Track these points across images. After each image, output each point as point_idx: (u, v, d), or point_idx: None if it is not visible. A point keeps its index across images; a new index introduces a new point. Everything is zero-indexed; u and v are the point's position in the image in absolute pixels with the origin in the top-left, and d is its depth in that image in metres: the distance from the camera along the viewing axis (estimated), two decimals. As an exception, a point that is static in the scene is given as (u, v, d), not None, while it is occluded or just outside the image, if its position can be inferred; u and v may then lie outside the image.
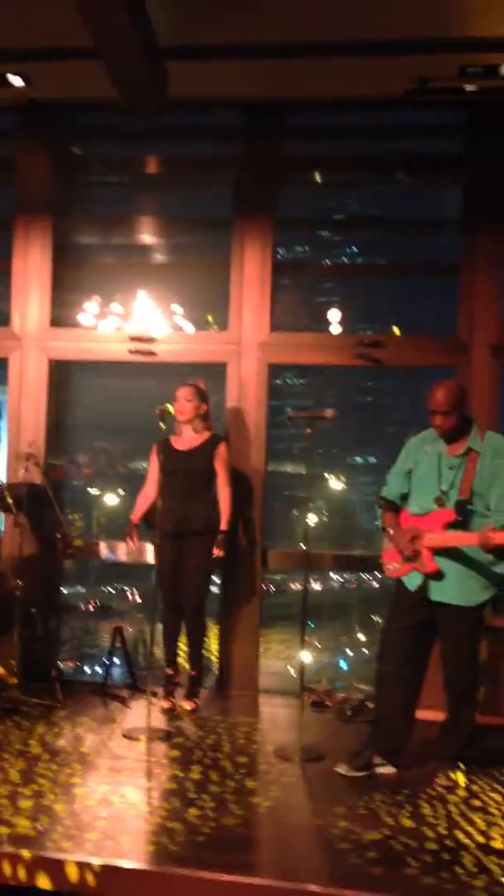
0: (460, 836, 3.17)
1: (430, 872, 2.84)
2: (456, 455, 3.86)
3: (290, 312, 6.10)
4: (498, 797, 3.61)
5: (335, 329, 6.07)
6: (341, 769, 3.83)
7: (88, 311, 5.95)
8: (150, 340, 5.63)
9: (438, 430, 3.88)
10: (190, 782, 3.62)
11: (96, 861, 2.81)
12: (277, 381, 6.25)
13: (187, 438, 4.99)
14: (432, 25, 4.57)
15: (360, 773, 3.81)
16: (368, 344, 5.45)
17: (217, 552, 4.82)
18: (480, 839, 3.15)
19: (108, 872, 2.79)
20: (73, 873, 2.80)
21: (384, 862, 2.93)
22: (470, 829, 3.24)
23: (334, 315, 6.13)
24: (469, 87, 4.92)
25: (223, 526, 4.87)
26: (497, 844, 3.10)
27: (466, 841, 3.13)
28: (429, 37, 4.68)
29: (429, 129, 5.77)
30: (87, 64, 4.89)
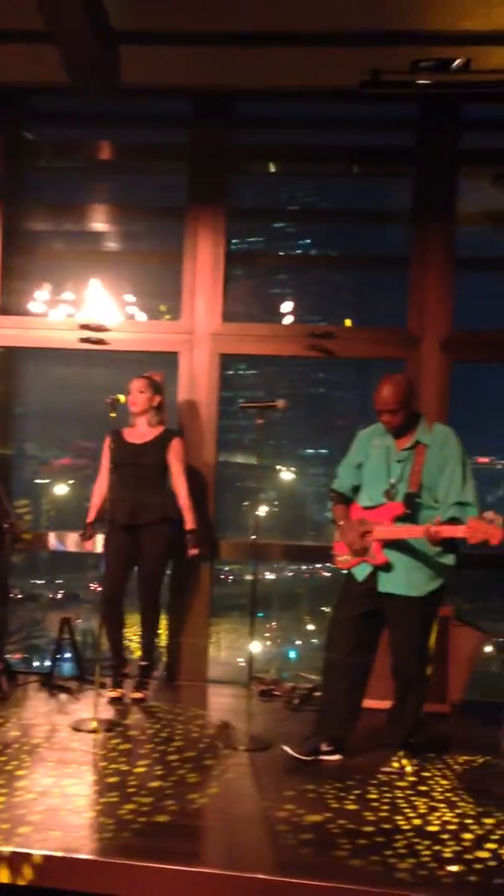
0: (399, 820, 3.22)
1: (359, 855, 2.88)
2: (404, 448, 3.90)
3: (243, 303, 6.10)
4: (445, 783, 3.67)
5: (288, 320, 6.08)
6: (289, 749, 3.86)
7: (38, 298, 5.87)
8: (100, 329, 5.58)
9: (387, 426, 3.91)
10: (136, 773, 3.62)
11: (36, 853, 2.78)
12: (229, 372, 6.24)
13: (141, 431, 4.96)
14: (386, 18, 4.59)
15: (307, 758, 3.85)
16: (320, 335, 5.47)
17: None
18: (417, 822, 3.19)
19: (49, 863, 2.76)
20: (4, 866, 2.77)
21: (316, 844, 2.96)
22: (410, 813, 3.29)
23: (287, 306, 6.14)
24: (421, 81, 4.95)
25: (189, 525, 4.85)
26: (432, 828, 3.15)
27: (403, 825, 3.17)
28: (382, 29, 4.70)
29: (381, 122, 5.81)
30: (40, 47, 4.80)
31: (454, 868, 2.81)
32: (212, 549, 5.38)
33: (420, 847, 2.96)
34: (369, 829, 3.12)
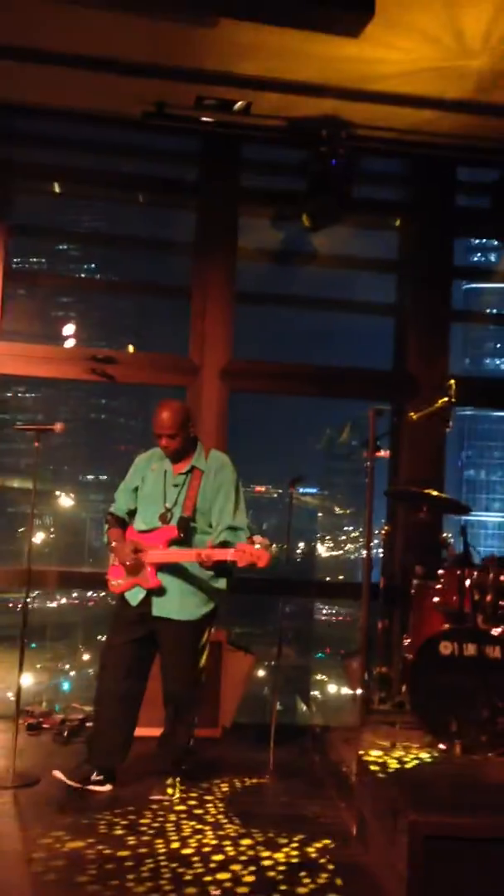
0: (158, 844, 3.22)
1: (101, 881, 2.87)
2: (180, 473, 3.95)
3: (23, 323, 5.93)
4: (213, 807, 3.69)
5: (70, 343, 5.99)
6: (60, 774, 3.78)
7: None
8: None
9: (164, 450, 3.95)
10: None
11: None
12: (8, 394, 6.04)
13: None
14: (172, 54, 4.67)
15: (77, 786, 3.76)
16: (102, 359, 5.43)
17: None
18: (175, 846, 3.21)
19: None
20: None
21: (64, 872, 2.94)
22: (172, 837, 3.30)
23: (69, 329, 6.07)
24: (204, 118, 5.09)
25: None
26: (187, 851, 3.17)
27: (160, 849, 3.17)
28: (168, 64, 4.77)
29: (167, 154, 5.90)
30: None
31: (191, 890, 2.84)
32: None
33: (164, 870, 2.98)
34: (124, 853, 3.10)
